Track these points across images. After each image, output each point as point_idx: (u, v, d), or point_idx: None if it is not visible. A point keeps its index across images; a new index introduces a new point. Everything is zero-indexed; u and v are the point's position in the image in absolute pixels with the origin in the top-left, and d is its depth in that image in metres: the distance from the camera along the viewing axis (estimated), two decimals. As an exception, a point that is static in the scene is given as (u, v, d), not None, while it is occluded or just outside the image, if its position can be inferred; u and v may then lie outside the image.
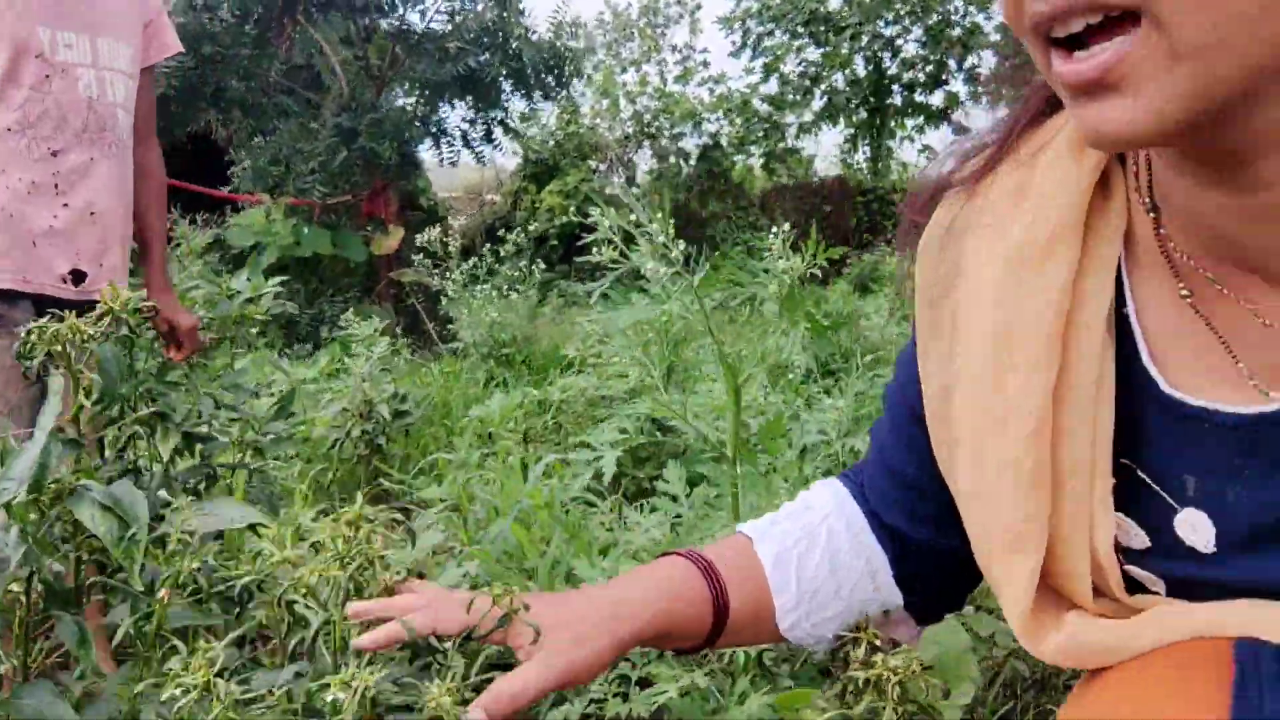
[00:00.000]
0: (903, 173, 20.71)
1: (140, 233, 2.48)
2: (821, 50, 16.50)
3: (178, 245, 7.77)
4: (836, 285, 16.55)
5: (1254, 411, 0.64)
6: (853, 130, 18.71)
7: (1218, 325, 0.66)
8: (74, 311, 2.21)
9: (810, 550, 0.90)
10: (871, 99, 18.09)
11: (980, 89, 16.75)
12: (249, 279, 7.78)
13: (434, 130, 8.56)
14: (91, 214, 2.23)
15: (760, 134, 17.31)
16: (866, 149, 18.74)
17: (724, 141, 17.16)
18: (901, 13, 16.48)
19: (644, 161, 17.52)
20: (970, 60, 16.50)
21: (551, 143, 16.51)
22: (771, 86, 17.33)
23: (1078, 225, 0.69)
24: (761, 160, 17.44)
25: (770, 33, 17.25)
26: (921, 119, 17.70)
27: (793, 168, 17.63)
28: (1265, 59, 0.52)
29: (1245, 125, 0.55)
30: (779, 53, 17.33)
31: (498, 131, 9.25)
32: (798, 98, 17.25)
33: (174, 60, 7.63)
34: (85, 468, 1.70)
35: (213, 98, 8.18)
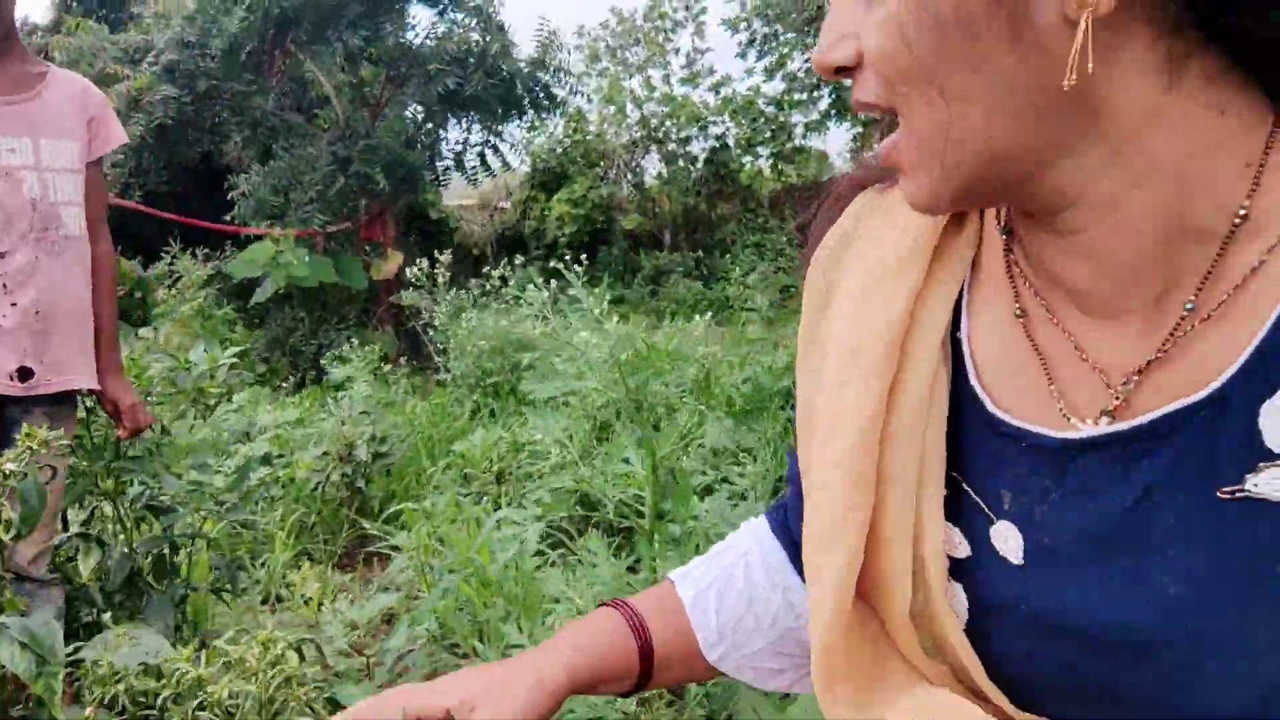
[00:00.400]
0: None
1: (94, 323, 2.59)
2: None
3: (179, 279, 7.92)
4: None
5: (1061, 437, 0.68)
6: (862, 126, 18.69)
7: (1043, 350, 0.70)
8: (19, 407, 2.33)
9: (727, 587, 0.95)
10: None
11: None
12: (254, 305, 7.92)
13: (428, 154, 8.65)
14: (37, 312, 2.32)
15: (767, 134, 17.29)
16: (878, 144, 18.60)
17: (731, 143, 17.15)
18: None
19: (652, 166, 17.56)
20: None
21: (559, 150, 16.59)
22: (778, 86, 17.28)
23: (927, 250, 0.75)
24: (770, 161, 17.41)
25: (775, 33, 17.23)
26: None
27: (801, 167, 17.60)
28: (1007, 146, 0.59)
29: (1032, 190, 0.62)
30: (784, 51, 17.29)
31: (490, 154, 9.33)
32: (804, 96, 17.21)
33: (171, 94, 7.81)
34: (8, 599, 1.81)
35: (210, 130, 8.32)
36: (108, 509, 2.75)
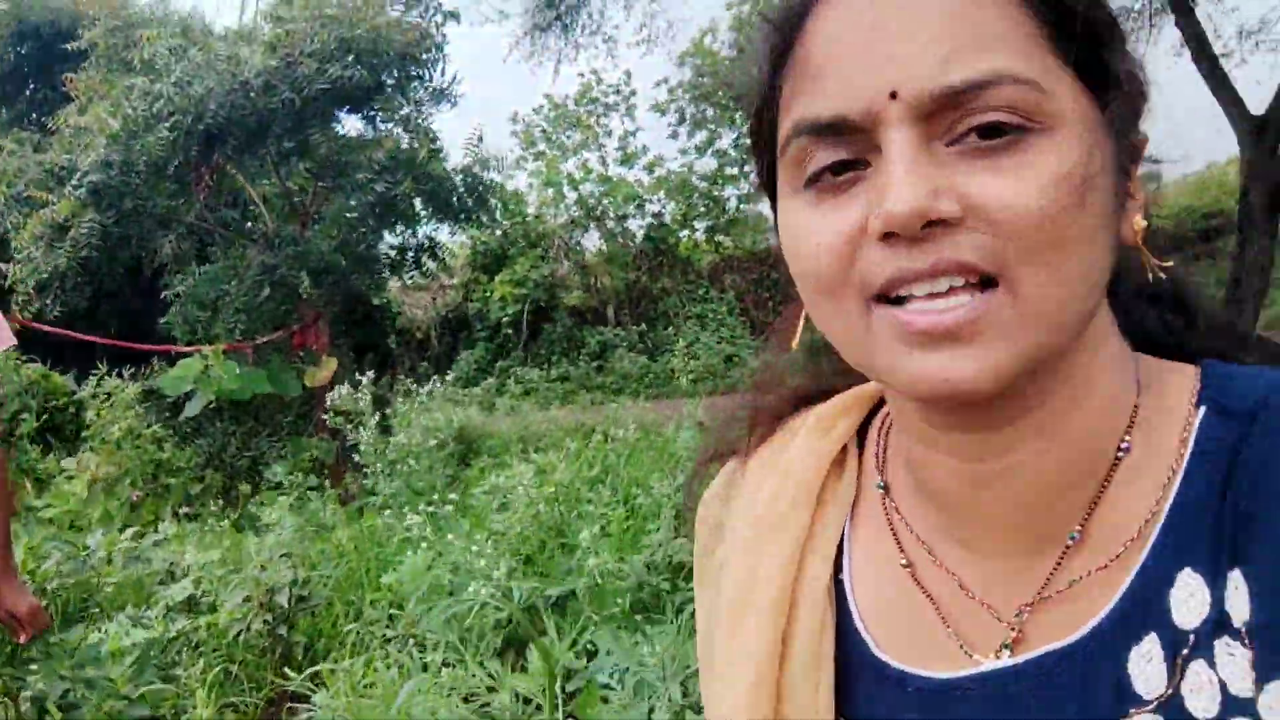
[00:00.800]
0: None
1: None
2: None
3: (109, 397, 7.85)
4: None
5: (942, 677, 0.68)
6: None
7: (932, 593, 0.71)
8: None
9: None
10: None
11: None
12: (185, 420, 7.84)
13: (363, 258, 8.69)
14: None
15: (702, 209, 17.56)
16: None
17: (668, 219, 17.39)
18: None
19: (592, 243, 17.74)
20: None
21: (499, 233, 16.72)
22: (710, 162, 17.58)
23: (812, 495, 0.77)
24: (706, 235, 17.66)
25: (703, 112, 17.57)
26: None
27: (738, 238, 17.83)
28: (1080, 329, 0.60)
29: (1041, 382, 0.62)
30: (712, 129, 17.62)
31: (424, 257, 9.40)
32: (736, 171, 17.52)
33: (94, 219, 7.78)
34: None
35: (138, 244, 8.30)
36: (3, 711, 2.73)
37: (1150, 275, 0.68)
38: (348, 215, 8.24)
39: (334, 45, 7.88)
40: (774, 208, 0.70)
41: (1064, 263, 0.57)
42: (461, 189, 8.74)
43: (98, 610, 4.90)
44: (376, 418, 6.05)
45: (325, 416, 6.84)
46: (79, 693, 2.62)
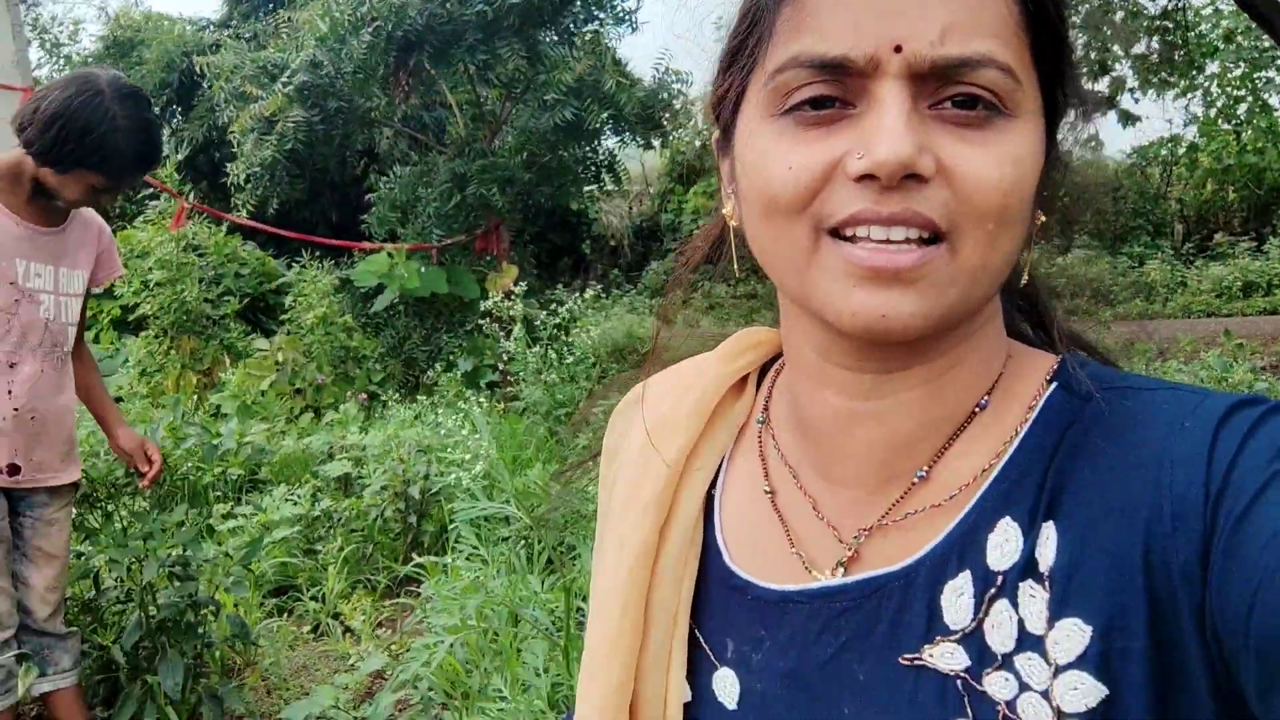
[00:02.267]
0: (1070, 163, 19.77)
1: (93, 407, 2.95)
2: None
3: (305, 286, 8.49)
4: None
5: (780, 589, 0.76)
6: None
7: (785, 515, 0.79)
8: (18, 492, 2.69)
9: None
10: (1031, 91, 17.28)
11: (1147, 74, 15.91)
12: (373, 313, 8.40)
13: (546, 170, 8.96)
14: (32, 417, 2.64)
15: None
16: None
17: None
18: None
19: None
20: (1135, 44, 15.75)
21: (698, 144, 16.75)
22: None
23: (706, 410, 0.85)
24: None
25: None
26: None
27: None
28: (997, 288, 0.69)
29: (944, 336, 0.70)
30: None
31: (604, 174, 9.59)
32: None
33: (300, 115, 8.33)
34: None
35: (340, 146, 8.82)
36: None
37: (1024, 269, 0.73)
38: (533, 132, 8.49)
39: (528, -43, 8.05)
40: (725, 125, 0.75)
41: (999, 233, 0.63)
42: (644, 110, 8.82)
43: (265, 482, 5.45)
44: (521, 326, 6.30)
45: (481, 322, 7.16)
46: (195, 561, 2.96)
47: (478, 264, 8.98)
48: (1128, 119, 15.17)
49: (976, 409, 0.72)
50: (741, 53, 0.71)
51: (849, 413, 0.73)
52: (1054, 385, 0.72)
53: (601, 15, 8.90)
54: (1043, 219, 0.72)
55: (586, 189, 10.18)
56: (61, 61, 18.21)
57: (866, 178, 0.62)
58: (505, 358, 6.64)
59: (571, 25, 8.82)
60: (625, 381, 0.99)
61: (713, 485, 0.85)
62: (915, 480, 0.72)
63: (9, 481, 2.63)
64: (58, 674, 2.76)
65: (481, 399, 6.04)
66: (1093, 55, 14.77)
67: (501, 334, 6.88)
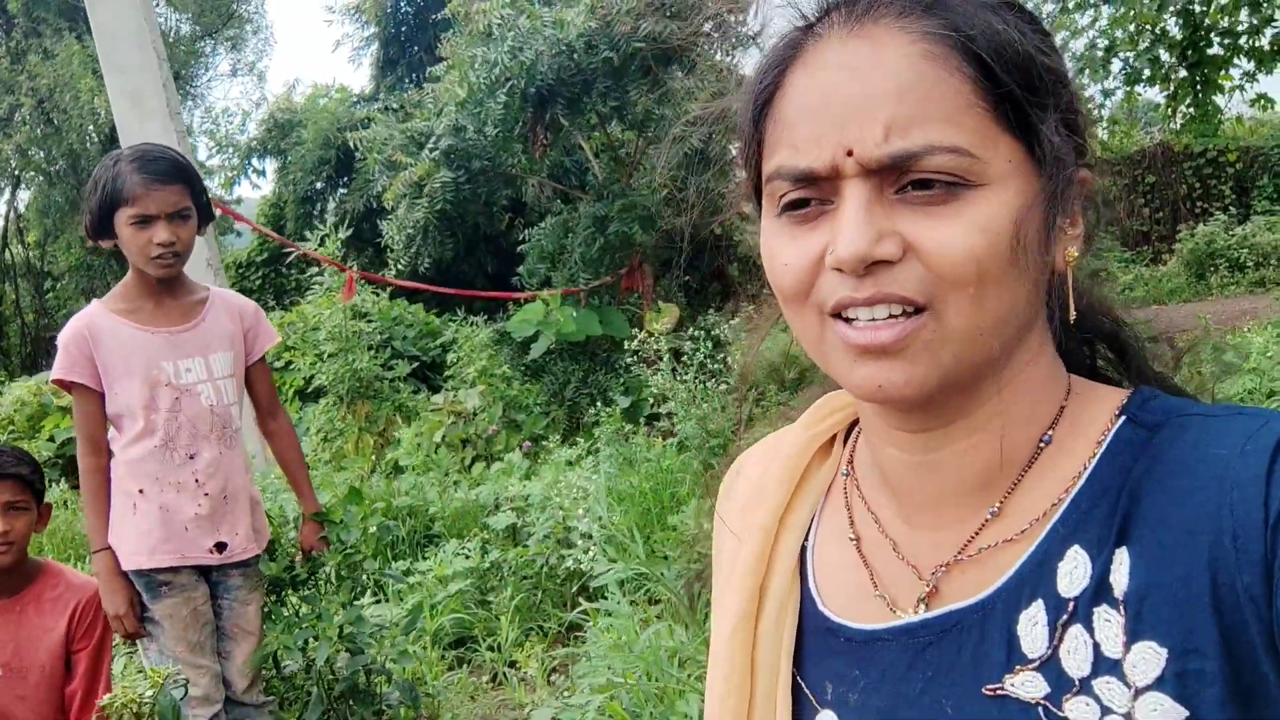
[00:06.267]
0: (1237, 128, 18.72)
1: (291, 476, 3.20)
2: (1117, 14, 15.37)
3: (465, 341, 8.87)
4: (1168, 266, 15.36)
5: (868, 628, 0.81)
6: (1171, 90, 17.15)
7: (868, 557, 0.85)
8: (219, 572, 2.93)
9: None
10: (1189, 53, 16.55)
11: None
12: (531, 361, 8.66)
13: (682, 202, 9.08)
14: (225, 497, 2.88)
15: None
16: (1188, 109, 17.13)
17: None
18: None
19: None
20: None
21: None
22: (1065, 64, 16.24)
23: (795, 475, 0.92)
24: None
25: (1064, 8, 16.28)
26: (1252, 64, 16.14)
27: (1115, 134, 16.46)
28: (998, 353, 0.72)
29: (969, 397, 0.76)
30: (1071, 29, 16.26)
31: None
32: (1099, 68, 16.17)
33: (447, 177, 8.73)
34: None
35: (486, 203, 9.19)
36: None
37: (1071, 304, 0.77)
38: (665, 166, 8.64)
39: (647, 1, 8.22)
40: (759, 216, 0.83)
41: (982, 294, 0.68)
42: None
43: (438, 536, 5.74)
44: (669, 360, 6.38)
45: (629, 360, 7.31)
46: (363, 636, 3.16)
47: (625, 303, 9.18)
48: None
49: (1042, 444, 0.76)
50: (748, 159, 0.81)
51: (914, 464, 0.80)
52: (1122, 418, 0.75)
53: (725, 46, 8.99)
54: (1074, 256, 0.76)
55: (723, 215, 10.26)
56: (230, 151, 19.46)
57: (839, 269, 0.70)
58: (658, 394, 6.76)
59: (696, 59, 8.95)
60: (781, 414, 1.06)
61: (806, 538, 0.90)
62: (988, 517, 0.77)
63: (217, 559, 2.88)
64: (256, 742, 3.02)
65: (639, 435, 6.18)
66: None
67: (651, 370, 7.02)
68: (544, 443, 7.90)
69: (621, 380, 8.69)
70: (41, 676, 2.83)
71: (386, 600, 4.84)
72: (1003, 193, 0.69)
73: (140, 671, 2.74)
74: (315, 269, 9.21)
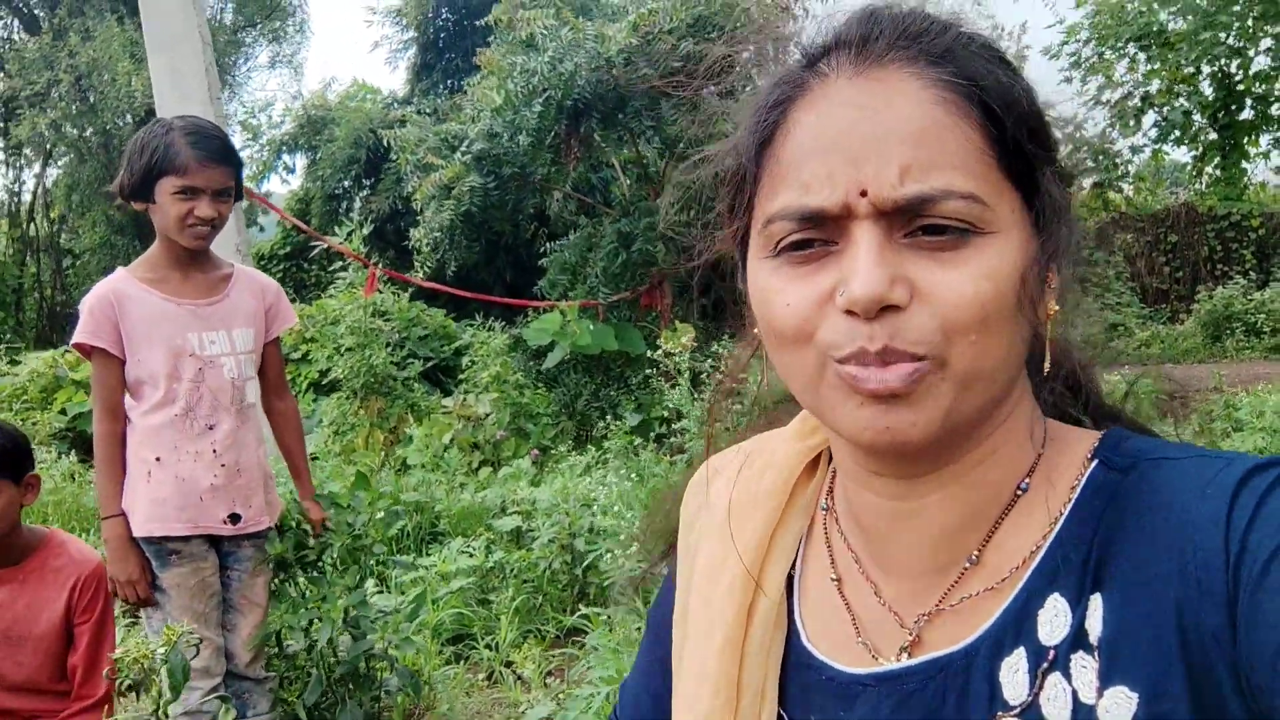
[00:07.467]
0: (1261, 194, 18.73)
1: (289, 460, 3.22)
2: (1153, 67, 15.49)
3: (483, 345, 8.92)
4: (1185, 326, 15.40)
5: (850, 671, 0.81)
6: (1199, 151, 17.23)
7: (849, 599, 0.85)
8: (231, 543, 2.95)
9: None
10: (1220, 115, 16.61)
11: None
12: (546, 370, 8.70)
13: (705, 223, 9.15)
14: (240, 470, 2.91)
15: (1089, 163, 16.44)
16: (1214, 170, 17.20)
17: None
18: (1249, 20, 15.16)
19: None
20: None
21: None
22: (1103, 110, 16.42)
23: (784, 492, 0.90)
24: (1091, 191, 16.57)
25: (1101, 55, 16.45)
26: (1281, 130, 16.26)
27: (1140, 191, 16.57)
28: (1001, 397, 0.73)
29: (963, 439, 0.74)
30: (1107, 74, 16.42)
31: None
32: (1131, 121, 16.28)
33: (476, 181, 8.80)
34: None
35: (513, 210, 9.25)
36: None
37: (1045, 354, 0.78)
38: (690, 186, 8.69)
39: (689, 21, 8.28)
40: (743, 261, 0.83)
41: (984, 341, 0.68)
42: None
43: (443, 534, 5.76)
44: (686, 379, 6.42)
45: (648, 373, 7.33)
46: (367, 618, 3.19)
47: (642, 320, 9.22)
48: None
49: (1019, 492, 0.77)
50: (739, 204, 0.80)
51: (892, 511, 0.79)
52: (1095, 462, 0.76)
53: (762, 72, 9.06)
54: (1055, 309, 0.76)
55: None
56: (262, 143, 19.60)
57: (851, 311, 0.69)
58: (670, 411, 6.79)
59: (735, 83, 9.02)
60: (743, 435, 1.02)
61: (792, 565, 0.89)
62: (967, 565, 0.77)
63: (231, 530, 2.91)
64: (255, 716, 3.00)
65: (648, 451, 6.21)
66: None
67: (668, 387, 7.05)
68: (552, 452, 7.94)
69: (634, 396, 8.72)
70: (39, 646, 2.84)
71: (389, 592, 4.86)
72: (1008, 242, 0.70)
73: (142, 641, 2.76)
74: (339, 265, 9.28)
